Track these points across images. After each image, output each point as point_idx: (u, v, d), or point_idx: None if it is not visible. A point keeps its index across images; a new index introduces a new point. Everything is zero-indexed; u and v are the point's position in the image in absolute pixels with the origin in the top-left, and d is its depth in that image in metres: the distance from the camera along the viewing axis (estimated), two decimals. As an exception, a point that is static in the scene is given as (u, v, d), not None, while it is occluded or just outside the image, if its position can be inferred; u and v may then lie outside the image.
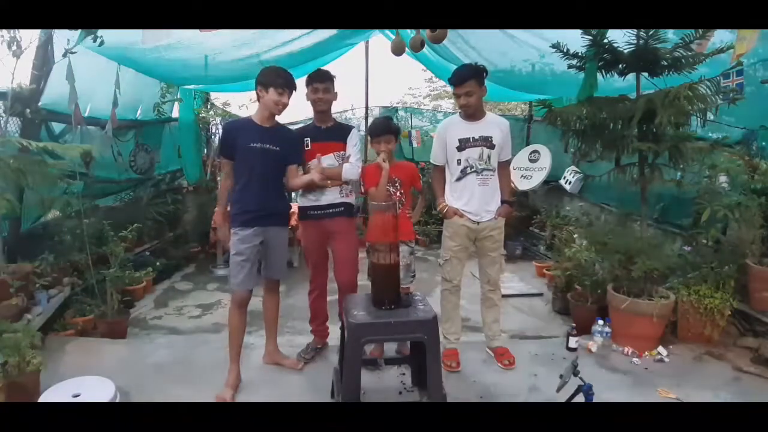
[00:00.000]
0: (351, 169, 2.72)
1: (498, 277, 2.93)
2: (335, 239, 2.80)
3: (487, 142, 2.72)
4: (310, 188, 2.73)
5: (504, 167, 2.87)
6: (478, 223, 2.77)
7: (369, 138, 2.81)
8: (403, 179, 2.81)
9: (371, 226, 2.15)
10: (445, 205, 2.82)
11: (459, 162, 2.75)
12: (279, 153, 2.60)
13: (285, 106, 2.57)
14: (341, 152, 2.76)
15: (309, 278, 2.94)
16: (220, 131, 6.20)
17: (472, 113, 2.76)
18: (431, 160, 2.94)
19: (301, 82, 2.77)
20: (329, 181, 2.71)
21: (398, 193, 2.79)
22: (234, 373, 2.55)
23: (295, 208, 4.86)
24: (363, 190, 2.85)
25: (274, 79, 2.51)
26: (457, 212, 2.77)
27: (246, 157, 2.54)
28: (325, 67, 2.87)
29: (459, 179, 2.78)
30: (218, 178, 6.52)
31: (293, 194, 6.52)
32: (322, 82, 2.71)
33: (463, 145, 2.73)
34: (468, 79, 2.67)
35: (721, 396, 2.49)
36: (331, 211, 2.75)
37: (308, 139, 2.75)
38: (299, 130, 2.85)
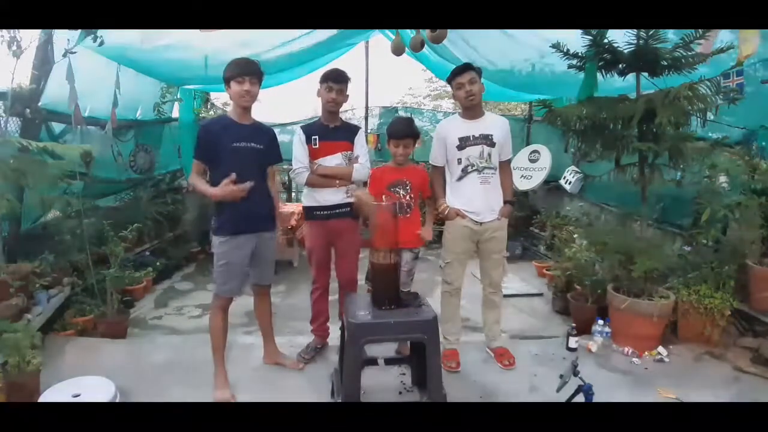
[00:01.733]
0: (361, 170, 2.72)
1: (500, 279, 2.91)
2: (340, 239, 2.80)
3: (487, 140, 2.70)
4: (318, 187, 2.73)
5: (505, 167, 2.86)
6: (480, 223, 2.74)
7: (387, 138, 2.72)
8: (415, 183, 2.75)
9: (371, 227, 2.14)
10: (446, 207, 2.78)
11: (460, 161, 2.73)
12: (262, 151, 2.50)
13: (250, 94, 2.40)
14: (348, 152, 2.75)
15: (311, 278, 2.93)
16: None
17: (474, 107, 2.73)
18: (431, 161, 2.89)
19: (304, 80, 2.75)
20: (338, 181, 2.71)
21: (408, 197, 2.72)
22: (222, 375, 2.54)
23: (295, 207, 4.87)
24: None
25: (230, 71, 2.38)
26: (459, 213, 2.74)
27: (231, 158, 2.38)
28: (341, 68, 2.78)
29: (460, 179, 2.75)
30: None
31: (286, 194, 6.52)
32: (337, 83, 2.68)
33: (464, 143, 2.71)
34: (469, 69, 2.68)
35: (721, 396, 2.48)
36: (337, 211, 2.74)
37: (316, 137, 2.73)
38: (306, 127, 2.83)
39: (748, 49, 2.63)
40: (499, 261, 2.86)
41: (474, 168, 2.72)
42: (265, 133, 2.57)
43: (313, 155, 2.73)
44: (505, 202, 2.82)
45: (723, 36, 2.86)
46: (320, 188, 2.74)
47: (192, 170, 2.47)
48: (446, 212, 2.78)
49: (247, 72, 2.37)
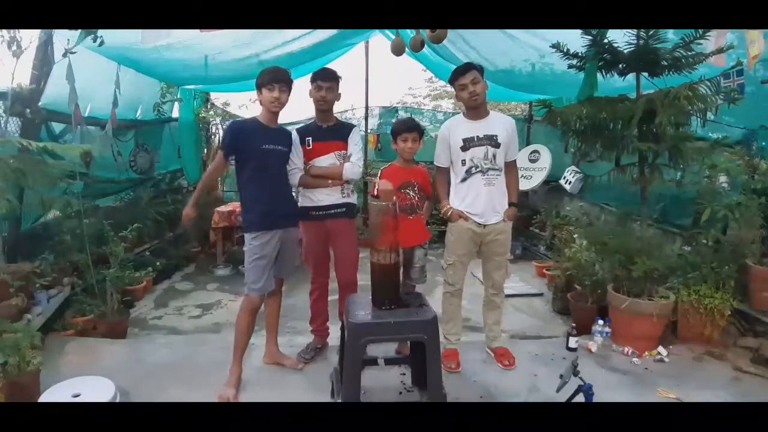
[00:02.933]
0: (352, 169, 2.71)
1: (503, 281, 2.89)
2: (337, 239, 2.80)
3: (491, 140, 2.67)
4: (311, 187, 2.73)
5: (511, 167, 2.82)
6: (484, 226, 2.70)
7: (392, 136, 2.76)
8: (420, 183, 2.76)
9: (372, 227, 2.15)
10: (449, 208, 2.76)
11: (464, 162, 2.70)
12: (286, 153, 2.63)
13: (280, 101, 2.51)
14: (342, 151, 2.74)
15: (310, 278, 2.93)
16: (222, 130, 6.20)
17: (479, 106, 2.69)
18: (435, 162, 2.86)
19: (304, 80, 2.76)
20: (330, 181, 2.70)
21: (416, 198, 2.73)
22: (237, 374, 2.55)
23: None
24: (375, 194, 2.81)
25: (263, 78, 2.50)
26: (462, 215, 2.71)
27: (260, 159, 2.51)
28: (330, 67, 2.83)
29: (464, 180, 2.72)
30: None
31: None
32: (326, 81, 2.69)
33: (468, 144, 2.68)
34: (471, 68, 2.65)
35: (721, 396, 2.49)
36: (333, 211, 2.74)
37: (309, 138, 2.73)
38: (300, 128, 2.83)
39: (755, 50, 2.62)
40: (502, 263, 2.84)
41: (478, 169, 2.68)
42: (288, 137, 2.68)
43: (307, 156, 2.73)
44: (510, 204, 2.79)
45: (729, 37, 2.86)
46: (314, 188, 2.73)
47: (213, 162, 2.56)
48: (449, 214, 2.76)
49: (278, 80, 2.49)
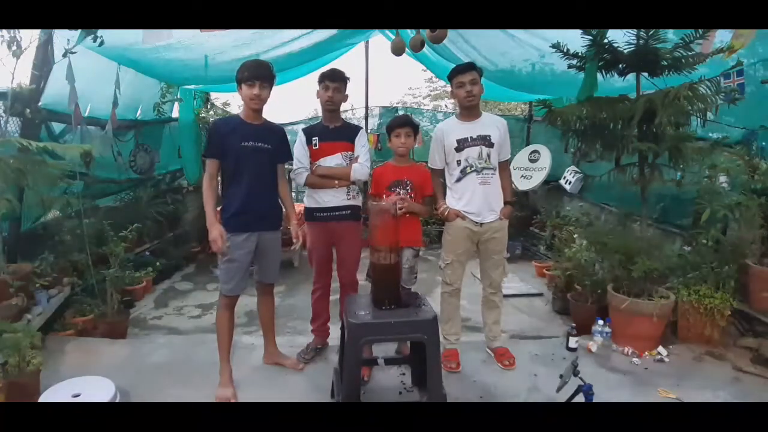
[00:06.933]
0: (360, 169, 2.71)
1: (501, 279, 2.90)
2: (341, 241, 2.80)
3: (485, 140, 2.70)
4: (317, 187, 2.73)
5: (504, 167, 2.85)
6: (480, 224, 2.73)
7: (388, 132, 2.75)
8: (415, 182, 2.72)
9: (372, 227, 2.15)
10: (446, 208, 2.78)
11: (459, 163, 2.73)
12: (271, 151, 2.54)
13: (260, 98, 2.43)
14: (349, 152, 2.74)
15: (312, 278, 2.92)
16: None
17: (472, 108, 2.73)
18: (429, 164, 2.88)
19: (304, 80, 2.75)
20: (337, 182, 2.70)
21: (408, 197, 2.70)
22: (227, 373, 2.55)
23: (299, 208, 4.88)
24: (369, 191, 2.81)
25: (242, 74, 2.41)
26: (459, 214, 2.73)
27: (238, 157, 2.44)
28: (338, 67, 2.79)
29: (459, 180, 2.75)
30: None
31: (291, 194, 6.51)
32: (333, 81, 2.68)
33: (462, 145, 2.71)
34: (472, 68, 2.68)
35: (721, 396, 2.49)
36: (338, 213, 2.73)
37: (316, 138, 2.73)
38: (307, 128, 2.84)
39: (738, 44, 2.64)
40: (500, 261, 2.85)
41: (473, 169, 2.72)
42: (274, 133, 2.60)
43: (314, 156, 2.73)
44: (505, 203, 2.81)
45: (723, 36, 2.87)
46: (320, 189, 2.73)
47: (206, 170, 2.48)
48: (446, 213, 2.78)
49: (258, 76, 2.40)
